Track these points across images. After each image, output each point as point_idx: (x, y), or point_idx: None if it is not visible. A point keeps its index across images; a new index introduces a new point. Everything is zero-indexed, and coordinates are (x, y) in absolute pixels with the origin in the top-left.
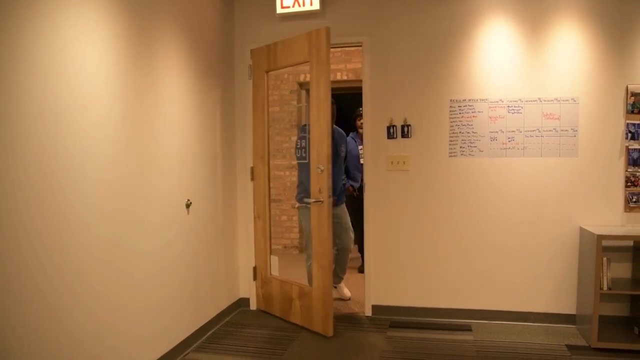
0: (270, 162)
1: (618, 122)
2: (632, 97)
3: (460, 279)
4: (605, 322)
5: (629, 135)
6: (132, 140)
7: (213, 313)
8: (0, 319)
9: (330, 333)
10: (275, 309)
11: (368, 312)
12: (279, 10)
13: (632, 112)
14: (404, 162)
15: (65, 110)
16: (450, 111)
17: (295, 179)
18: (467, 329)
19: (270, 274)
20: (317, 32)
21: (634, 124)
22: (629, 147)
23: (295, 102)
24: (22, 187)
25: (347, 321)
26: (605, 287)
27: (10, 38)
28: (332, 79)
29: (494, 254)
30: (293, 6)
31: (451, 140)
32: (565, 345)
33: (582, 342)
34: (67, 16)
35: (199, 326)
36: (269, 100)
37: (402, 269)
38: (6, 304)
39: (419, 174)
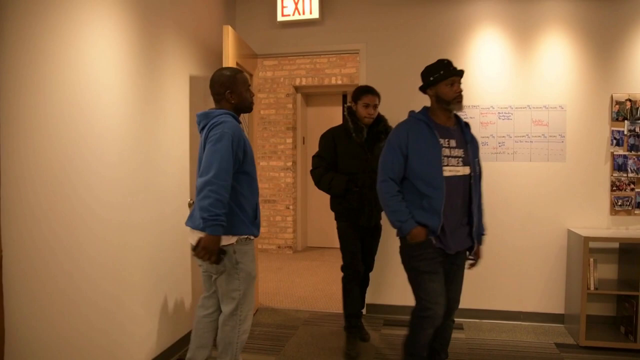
0: (266, 163)
1: (604, 129)
2: (617, 106)
3: None
4: (592, 321)
5: (614, 141)
6: (140, 142)
7: None
8: (23, 316)
9: None
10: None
11: (362, 311)
12: (279, 18)
13: (617, 119)
14: None
15: (80, 115)
16: None
17: (290, 180)
18: (459, 327)
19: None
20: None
21: (618, 131)
22: (614, 153)
23: (290, 105)
24: (44, 183)
25: (342, 319)
26: (592, 287)
27: (42, 54)
28: (327, 83)
29: (484, 255)
30: (293, 14)
31: None
32: (554, 343)
33: (570, 341)
34: (87, 30)
35: None
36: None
37: (395, 269)
38: (28, 297)
39: None
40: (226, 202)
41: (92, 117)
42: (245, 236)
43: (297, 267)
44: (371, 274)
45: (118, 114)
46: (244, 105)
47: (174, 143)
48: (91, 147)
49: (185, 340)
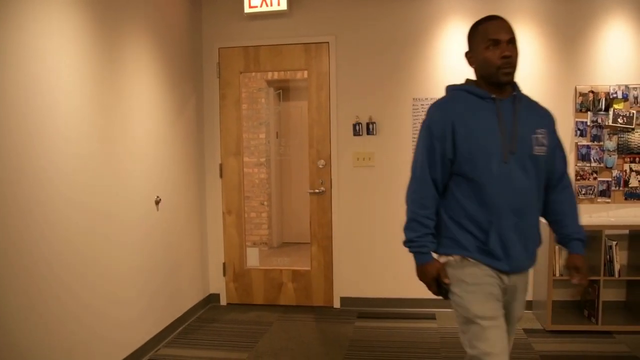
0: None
1: (568, 120)
2: (580, 97)
3: None
4: (558, 306)
5: (578, 132)
6: (103, 139)
7: (184, 309)
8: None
9: (335, 305)
10: (258, 298)
11: (337, 304)
12: (246, 9)
13: (581, 110)
14: (370, 158)
15: (43, 114)
16: (413, 109)
17: (264, 175)
18: (431, 317)
19: (247, 266)
20: (317, 46)
21: (582, 122)
22: (578, 143)
23: (263, 100)
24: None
25: (316, 313)
26: (557, 274)
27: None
28: (299, 77)
29: None
30: (261, 6)
31: (414, 137)
32: (522, 329)
33: (537, 326)
34: (42, 23)
35: (170, 322)
36: (241, 99)
37: (369, 262)
38: None
39: (384, 169)
40: (425, 220)
41: (47, 113)
42: (458, 256)
43: (272, 264)
44: (345, 267)
45: (77, 110)
46: (484, 70)
47: (141, 135)
48: (47, 145)
49: (158, 339)
